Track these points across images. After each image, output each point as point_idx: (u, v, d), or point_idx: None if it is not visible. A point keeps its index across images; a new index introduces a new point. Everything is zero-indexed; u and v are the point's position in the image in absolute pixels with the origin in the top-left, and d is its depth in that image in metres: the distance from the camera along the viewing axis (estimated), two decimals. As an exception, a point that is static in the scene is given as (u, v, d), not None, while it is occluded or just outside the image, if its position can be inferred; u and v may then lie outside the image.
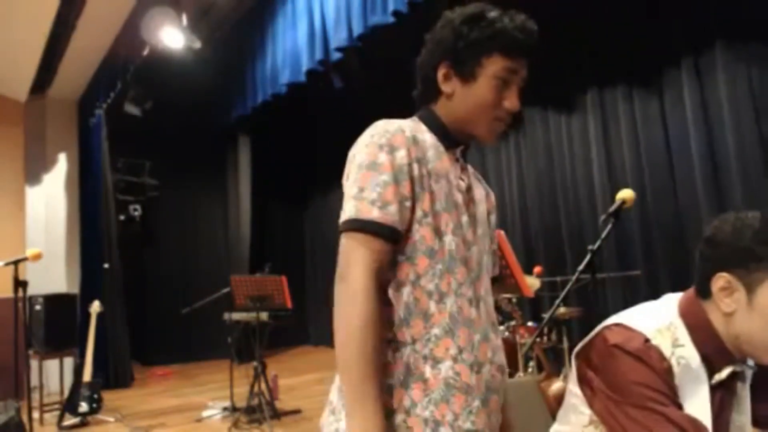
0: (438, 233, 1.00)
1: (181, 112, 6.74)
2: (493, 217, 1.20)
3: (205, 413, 4.51)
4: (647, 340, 1.06)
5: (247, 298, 4.18)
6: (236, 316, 4.62)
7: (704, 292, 1.09)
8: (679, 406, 1.03)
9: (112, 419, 4.43)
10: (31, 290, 3.75)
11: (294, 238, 8.87)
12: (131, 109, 5.95)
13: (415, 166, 1.00)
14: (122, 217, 6.77)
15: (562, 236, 5.25)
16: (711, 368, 1.07)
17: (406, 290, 0.99)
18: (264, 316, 4.32)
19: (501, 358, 1.08)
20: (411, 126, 1.06)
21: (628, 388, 1.04)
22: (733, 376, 1.10)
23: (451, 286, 1.00)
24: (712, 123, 4.17)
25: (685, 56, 4.29)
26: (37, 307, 4.67)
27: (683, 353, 1.05)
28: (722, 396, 1.09)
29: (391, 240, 0.97)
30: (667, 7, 4.36)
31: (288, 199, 8.77)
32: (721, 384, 1.08)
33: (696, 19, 4.23)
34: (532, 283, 3.31)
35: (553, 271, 4.85)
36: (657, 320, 1.09)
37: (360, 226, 0.96)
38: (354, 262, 0.95)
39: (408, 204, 0.99)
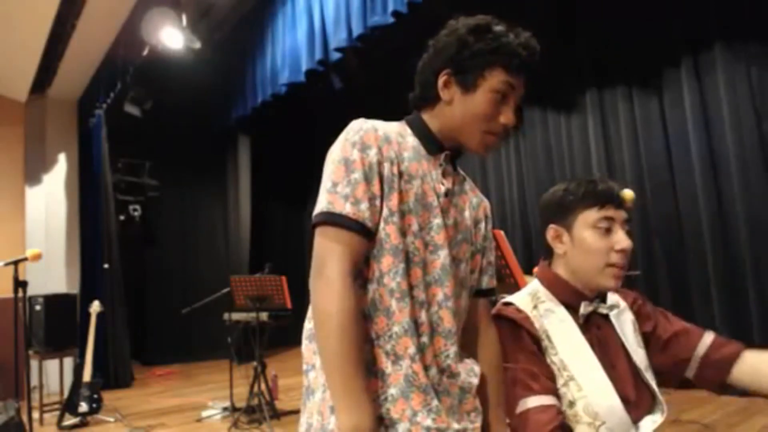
0: (402, 233, 1.01)
1: (181, 112, 6.74)
2: (483, 225, 1.19)
3: (205, 413, 4.51)
4: (507, 303, 1.27)
5: (247, 298, 4.18)
6: (236, 316, 4.62)
7: (547, 253, 1.33)
8: (534, 358, 1.18)
9: (112, 419, 4.43)
10: (31, 290, 3.76)
11: (294, 238, 8.85)
12: (131, 109, 5.94)
13: (386, 165, 1.01)
14: (122, 217, 6.75)
15: (562, 236, 5.25)
16: (573, 310, 1.26)
17: (372, 287, 1.00)
18: (264, 316, 4.33)
19: (452, 366, 1.05)
20: (395, 128, 1.08)
21: (504, 348, 1.21)
22: (601, 318, 1.28)
23: (407, 286, 1.00)
24: (712, 123, 4.17)
25: (684, 56, 4.29)
26: (37, 308, 4.67)
27: (546, 306, 1.26)
28: (597, 336, 1.25)
29: (364, 236, 0.98)
30: (666, 7, 4.36)
31: (288, 199, 8.76)
32: (591, 323, 1.26)
33: (695, 19, 4.23)
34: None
35: (553, 271, 4.85)
36: (523, 292, 1.31)
37: (333, 219, 0.97)
38: (330, 258, 0.96)
39: (377, 203, 0.99)
